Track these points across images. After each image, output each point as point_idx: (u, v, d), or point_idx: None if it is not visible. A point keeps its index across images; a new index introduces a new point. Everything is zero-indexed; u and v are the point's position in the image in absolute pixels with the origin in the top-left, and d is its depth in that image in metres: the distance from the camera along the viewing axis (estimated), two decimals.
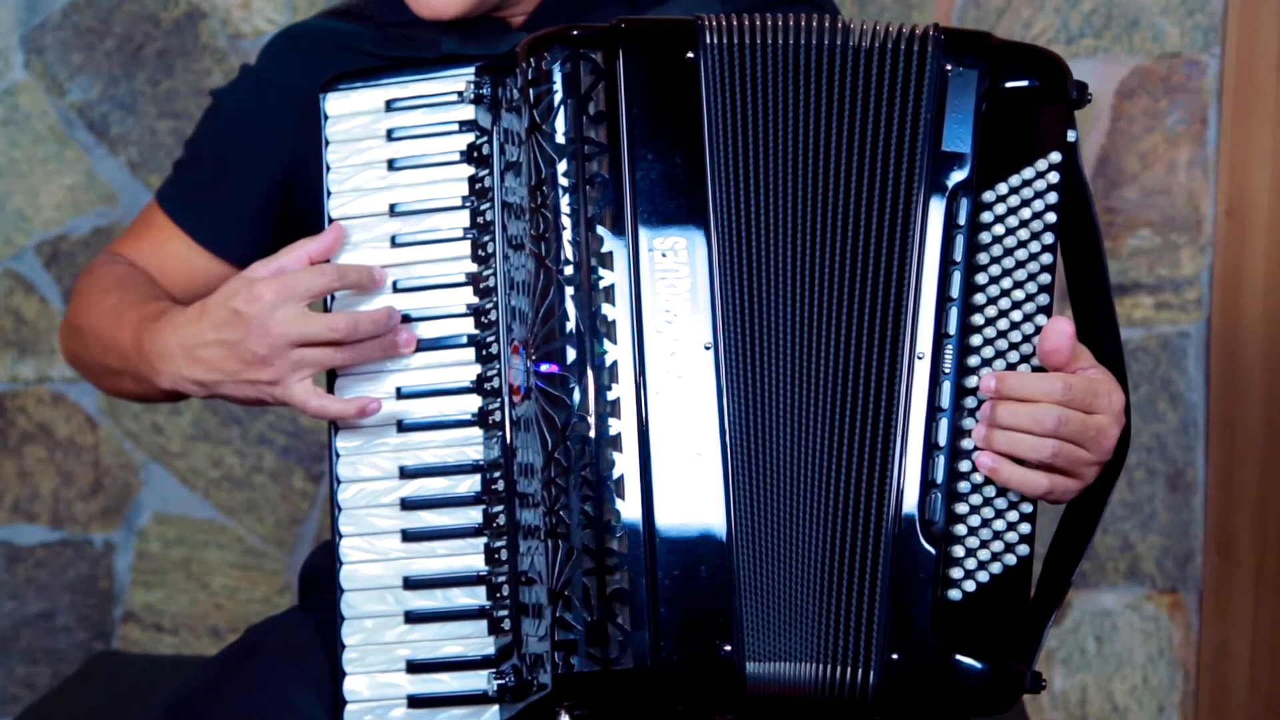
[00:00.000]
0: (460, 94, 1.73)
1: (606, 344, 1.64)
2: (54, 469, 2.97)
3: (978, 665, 1.65)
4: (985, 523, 1.66)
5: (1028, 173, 1.67)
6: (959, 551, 1.65)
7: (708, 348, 1.64)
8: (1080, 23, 2.87)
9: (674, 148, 1.65)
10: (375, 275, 1.70)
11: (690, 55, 1.67)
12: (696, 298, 1.64)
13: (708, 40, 1.67)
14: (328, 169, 1.75)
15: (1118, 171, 2.89)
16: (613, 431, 1.63)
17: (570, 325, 1.64)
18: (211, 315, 1.70)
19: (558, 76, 1.65)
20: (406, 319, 1.72)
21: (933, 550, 1.64)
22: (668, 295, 1.64)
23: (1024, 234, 1.67)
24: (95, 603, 2.99)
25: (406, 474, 1.72)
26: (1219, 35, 2.86)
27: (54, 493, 2.97)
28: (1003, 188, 1.67)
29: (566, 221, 1.65)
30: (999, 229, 1.66)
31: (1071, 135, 1.68)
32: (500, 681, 1.68)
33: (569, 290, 1.64)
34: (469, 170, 1.73)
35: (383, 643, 1.71)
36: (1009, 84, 1.68)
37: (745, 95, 1.67)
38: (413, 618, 1.71)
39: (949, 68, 1.67)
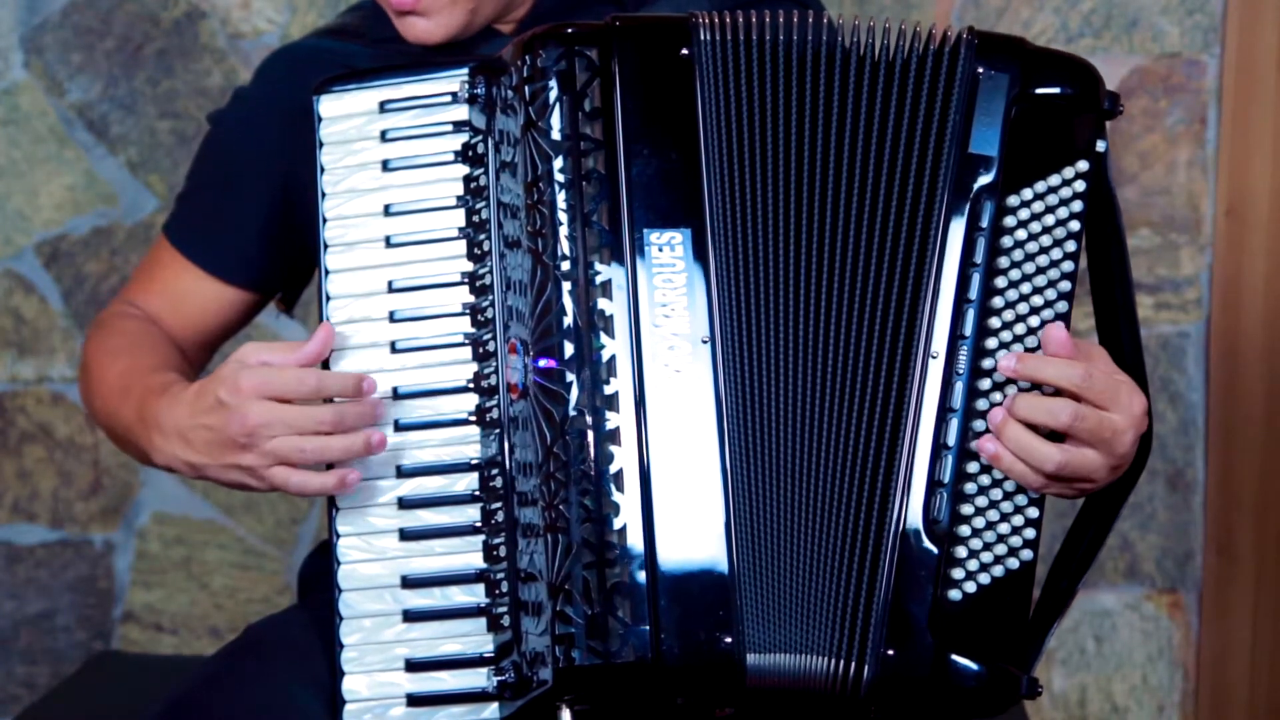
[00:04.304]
0: (454, 94, 1.73)
1: (604, 338, 1.64)
2: (54, 469, 2.97)
3: (973, 666, 1.65)
4: (990, 525, 1.65)
5: (1054, 180, 1.66)
6: (961, 552, 1.65)
7: (705, 341, 1.64)
8: (1080, 23, 2.87)
9: (670, 143, 1.65)
10: (364, 385, 1.69)
11: (685, 52, 1.67)
12: (693, 292, 1.64)
13: (702, 37, 1.67)
14: (322, 170, 1.75)
15: (1118, 172, 2.89)
16: (610, 425, 1.63)
17: (568, 320, 1.64)
18: (201, 400, 1.71)
19: (553, 73, 1.65)
20: (402, 319, 1.73)
21: (935, 549, 1.64)
22: (665, 290, 1.64)
23: (1047, 240, 1.66)
24: (95, 603, 2.99)
25: (404, 473, 1.72)
26: (1219, 35, 2.86)
27: (54, 493, 2.97)
28: (1028, 193, 1.66)
29: (563, 217, 1.65)
30: (1022, 234, 1.66)
31: (1101, 145, 1.67)
32: (500, 678, 1.68)
33: (566, 286, 1.64)
34: (463, 170, 1.73)
35: (381, 641, 1.71)
36: (1040, 90, 1.67)
37: (741, 91, 1.67)
38: (411, 616, 1.71)
39: (980, 71, 1.67)
